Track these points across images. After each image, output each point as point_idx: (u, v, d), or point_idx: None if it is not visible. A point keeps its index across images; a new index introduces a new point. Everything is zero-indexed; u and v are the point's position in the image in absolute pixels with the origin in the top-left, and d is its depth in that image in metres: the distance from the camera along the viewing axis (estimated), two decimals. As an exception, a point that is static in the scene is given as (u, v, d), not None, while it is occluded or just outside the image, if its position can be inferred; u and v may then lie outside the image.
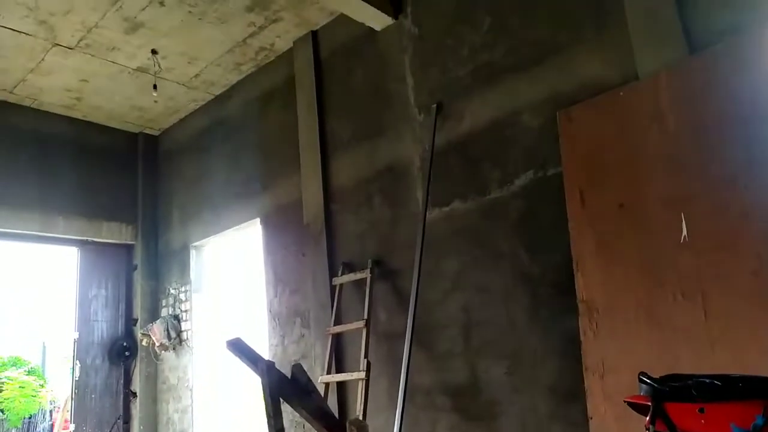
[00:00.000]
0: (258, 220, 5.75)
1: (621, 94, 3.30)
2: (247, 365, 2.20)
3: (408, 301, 4.06)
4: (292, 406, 2.11)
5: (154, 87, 5.62)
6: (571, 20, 3.69)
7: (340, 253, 4.91)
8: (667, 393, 1.79)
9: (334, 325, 4.68)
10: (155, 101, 6.30)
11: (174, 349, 6.47)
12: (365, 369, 4.16)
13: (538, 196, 3.74)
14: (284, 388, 2.04)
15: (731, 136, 2.92)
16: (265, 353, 5.41)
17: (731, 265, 2.75)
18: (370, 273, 4.54)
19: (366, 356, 4.24)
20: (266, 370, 2.02)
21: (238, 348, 2.22)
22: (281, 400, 2.08)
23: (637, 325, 2.96)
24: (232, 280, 6.42)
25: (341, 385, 4.65)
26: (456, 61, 4.30)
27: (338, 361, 4.74)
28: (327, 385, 4.47)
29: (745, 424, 1.62)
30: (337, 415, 4.62)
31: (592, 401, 3.03)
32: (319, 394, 2.26)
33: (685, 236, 2.89)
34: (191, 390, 6.23)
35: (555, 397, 3.46)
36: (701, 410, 1.71)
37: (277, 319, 5.37)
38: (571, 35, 3.67)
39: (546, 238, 3.65)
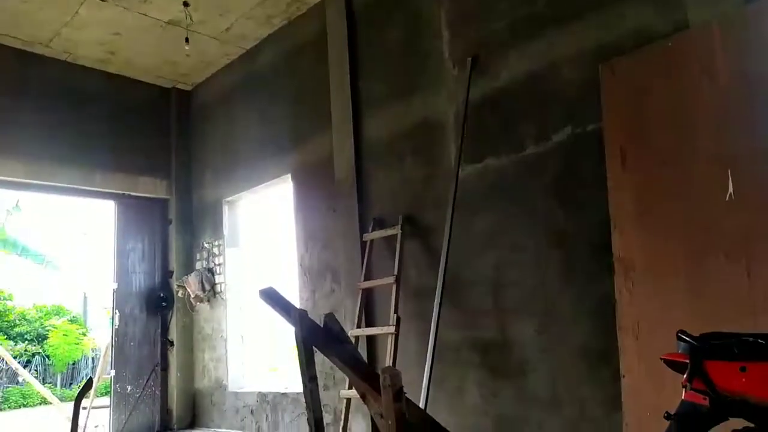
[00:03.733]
0: (289, 176, 5.76)
1: (670, 44, 3.13)
2: (280, 314, 2.22)
3: (438, 258, 4.04)
4: (325, 355, 2.14)
5: (186, 40, 5.59)
6: (619, -34, 3.48)
7: (371, 210, 4.90)
8: (707, 350, 1.74)
9: (364, 280, 4.71)
10: (187, 55, 6.28)
11: (208, 300, 6.64)
12: (395, 324, 4.20)
13: (575, 152, 3.62)
14: (317, 336, 2.06)
15: (786, 90, 2.75)
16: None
17: (780, 225, 2.63)
18: (401, 230, 4.53)
19: (396, 311, 4.27)
20: (299, 319, 2.04)
21: (271, 297, 2.24)
22: (314, 348, 2.10)
23: (676, 285, 2.88)
24: (264, 235, 6.50)
25: (371, 340, 4.71)
26: (494, 13, 4.13)
27: (368, 315, 4.79)
28: (357, 338, 4.54)
29: None
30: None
31: (625, 360, 3.00)
32: (352, 344, 2.28)
33: (731, 194, 2.77)
34: (225, 340, 6.42)
35: (585, 357, 3.43)
36: (743, 369, 1.66)
37: (308, 274, 5.44)
38: (618, -18, 3.47)
39: (583, 197, 3.55)
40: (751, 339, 1.68)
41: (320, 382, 4.81)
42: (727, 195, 2.77)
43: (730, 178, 2.78)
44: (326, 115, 5.33)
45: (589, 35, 3.59)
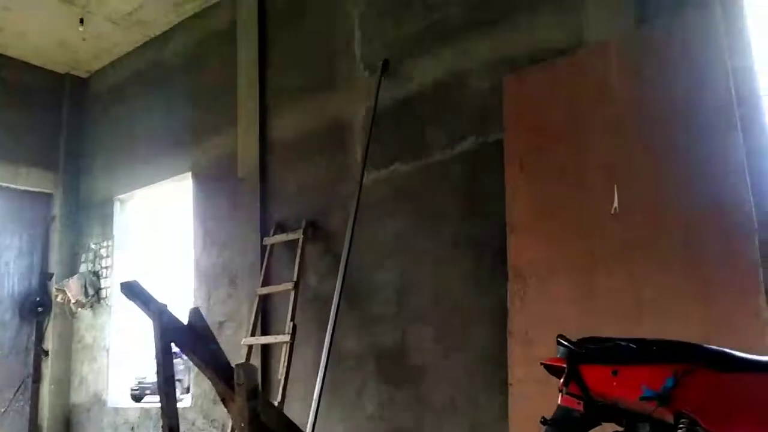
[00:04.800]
0: (189, 174, 5.43)
1: (570, 60, 3.23)
2: (140, 307, 2.00)
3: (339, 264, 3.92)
4: (184, 353, 1.93)
5: (81, 21, 5.17)
6: (526, -17, 3.58)
7: (273, 212, 4.70)
8: (582, 355, 1.73)
9: (263, 286, 4.49)
10: (83, 38, 5.82)
11: (91, 306, 6.09)
12: (290, 332, 4.01)
13: (479, 161, 3.65)
14: (177, 333, 1.86)
15: (671, 111, 2.90)
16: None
17: (660, 237, 2.75)
18: (303, 234, 4.36)
19: (292, 319, 4.08)
20: (158, 312, 1.83)
21: (132, 290, 2.01)
22: (173, 346, 1.90)
23: (566, 292, 2.93)
24: (158, 236, 6.08)
25: (266, 349, 4.48)
26: (407, 17, 4.12)
27: (265, 323, 4.56)
28: (250, 347, 4.30)
29: (655, 386, 1.58)
30: (260, 379, 4.46)
31: (513, 368, 3.00)
32: (217, 343, 2.09)
33: (615, 207, 2.87)
34: (108, 350, 5.89)
35: (482, 363, 3.42)
36: (614, 372, 1.66)
37: (203, 278, 5.12)
38: (525, -2, 3.57)
39: (486, 205, 3.57)
40: (623, 343, 1.69)
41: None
42: (612, 208, 2.86)
43: (616, 192, 2.88)
44: (233, 111, 5.09)
45: (496, 46, 3.65)
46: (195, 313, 1.95)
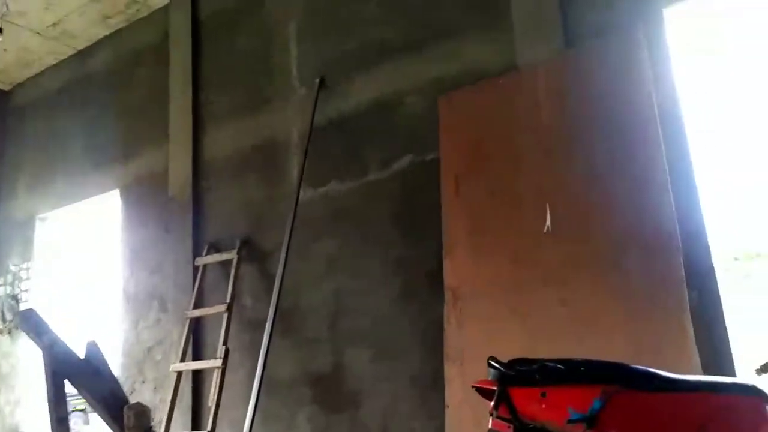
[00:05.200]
0: (118, 191, 5.17)
1: (500, 82, 3.27)
2: (32, 339, 1.82)
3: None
4: (76, 389, 1.77)
5: (-1, 30, 4.85)
6: (460, 6, 3.61)
7: (206, 232, 4.52)
8: (511, 377, 1.69)
9: (195, 308, 4.28)
10: (4, 49, 5.49)
11: (9, 333, 5.66)
12: (222, 357, 3.82)
13: (416, 181, 3.62)
14: (71, 367, 1.70)
15: (598, 133, 2.97)
16: (117, 338, 4.88)
17: (591, 256, 2.78)
18: (238, 254, 4.20)
19: (225, 343, 3.90)
20: (49, 345, 1.67)
21: (28, 320, 1.84)
22: (67, 381, 1.73)
23: (501, 313, 2.92)
24: (83, 257, 5.74)
25: (197, 375, 4.26)
26: (344, 34, 4.08)
27: (197, 348, 4.34)
28: (179, 374, 4.07)
29: (582, 407, 1.55)
30: (191, 406, 4.25)
31: (450, 390, 2.96)
32: (113, 377, 1.94)
33: (548, 227, 2.89)
34: (26, 380, 5.48)
35: (418, 386, 3.36)
36: (543, 394, 1.63)
37: (131, 302, 4.85)
38: (459, 21, 3.60)
39: (422, 225, 3.54)
40: (551, 365, 1.66)
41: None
42: (545, 227, 2.88)
43: (548, 212, 2.90)
44: (164, 127, 4.89)
45: (431, 67, 3.66)
46: (92, 346, 1.79)
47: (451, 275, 3.14)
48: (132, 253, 4.93)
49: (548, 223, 2.90)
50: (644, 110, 2.88)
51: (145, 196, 4.93)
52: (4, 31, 4.99)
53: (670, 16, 3.00)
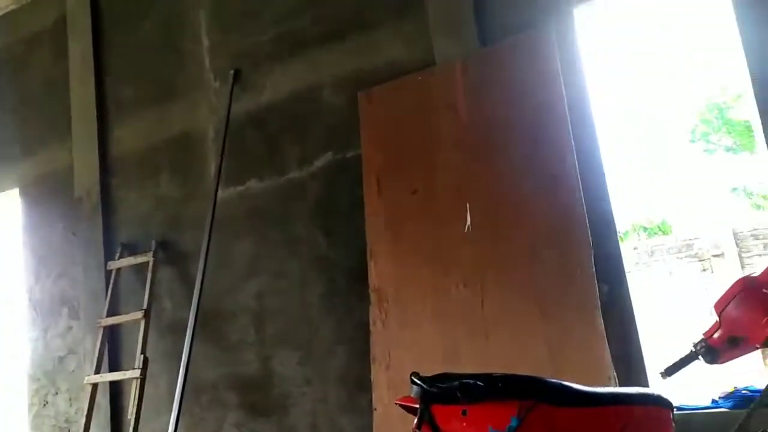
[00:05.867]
0: (17, 190, 4.77)
1: (419, 78, 3.24)
2: None
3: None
4: None
5: None
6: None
7: (119, 233, 4.26)
8: (434, 394, 1.69)
9: (109, 315, 4.05)
10: None
11: None
12: (141, 366, 3.66)
13: (337, 178, 3.56)
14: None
15: (512, 130, 3.01)
16: (24, 349, 4.56)
17: (508, 256, 2.85)
18: (154, 256, 4.00)
19: (143, 351, 3.73)
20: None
21: None
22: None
23: (423, 314, 2.95)
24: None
25: (115, 386, 4.06)
26: (258, 24, 3.91)
27: (114, 357, 4.12)
28: (95, 386, 3.87)
29: (501, 425, 1.57)
30: (109, 419, 4.05)
31: (377, 392, 2.97)
32: None
33: (468, 226, 2.93)
34: None
35: (345, 387, 3.36)
36: (464, 413, 1.63)
37: (38, 309, 4.53)
38: (375, 14, 3.52)
39: (344, 224, 3.50)
40: (471, 381, 1.66)
41: None
42: (465, 227, 2.92)
43: (468, 211, 2.93)
44: (66, 119, 4.53)
45: (349, 61, 3.58)
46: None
47: (375, 276, 3.13)
48: (36, 257, 4.59)
49: (468, 222, 2.93)
50: (556, 108, 2.94)
51: (49, 195, 4.58)
52: None
53: (579, 15, 3.07)
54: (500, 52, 3.10)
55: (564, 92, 2.95)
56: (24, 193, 4.73)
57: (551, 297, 2.68)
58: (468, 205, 2.95)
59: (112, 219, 4.29)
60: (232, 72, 3.91)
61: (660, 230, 13.29)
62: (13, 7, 4.89)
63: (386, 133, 3.31)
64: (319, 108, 3.65)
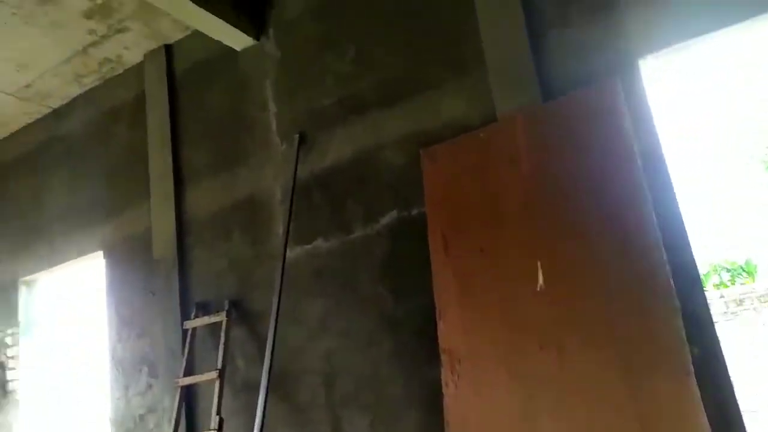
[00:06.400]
0: (101, 252, 5.07)
1: (481, 135, 3.23)
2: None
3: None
4: None
5: (-31, 97, 4.78)
6: (434, 59, 3.60)
7: (194, 293, 4.43)
8: None
9: (186, 374, 4.17)
10: (-25, 112, 5.39)
11: (-4, 403, 5.50)
12: (216, 427, 3.72)
13: (402, 236, 3.57)
14: None
15: (584, 185, 2.93)
16: (108, 406, 4.75)
17: (585, 316, 2.73)
18: (227, 316, 4.11)
19: (218, 412, 3.80)
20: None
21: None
22: None
23: (498, 377, 2.85)
24: (69, 321, 5.60)
25: (193, 443, 4.15)
26: (320, 89, 4.05)
27: (191, 415, 4.23)
28: (174, 446, 3.96)
29: None
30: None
31: (453, 460, 2.87)
32: None
33: (541, 285, 2.84)
34: (17, 451, 5.32)
35: (418, 451, 3.27)
36: None
37: (120, 368, 4.73)
38: (434, 73, 3.58)
39: (411, 282, 3.48)
40: None
41: None
42: (538, 286, 2.83)
43: (540, 269, 2.85)
44: (144, 185, 4.81)
45: (410, 120, 3.63)
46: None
47: (446, 337, 3.07)
48: (119, 317, 4.81)
49: (540, 281, 2.85)
50: (627, 161, 2.85)
51: (130, 257, 4.84)
52: (-25, 97, 4.93)
53: (646, 66, 2.99)
54: (564, 105, 3.06)
55: (635, 144, 2.85)
56: (107, 256, 5.01)
57: (637, 362, 2.53)
58: (539, 264, 2.87)
59: (188, 279, 4.47)
60: (297, 135, 4.04)
61: (744, 271, 12.36)
62: (98, 83, 5.30)
63: (450, 191, 3.30)
64: (382, 167, 3.71)
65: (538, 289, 2.85)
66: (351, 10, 4.02)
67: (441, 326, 3.11)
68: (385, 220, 3.64)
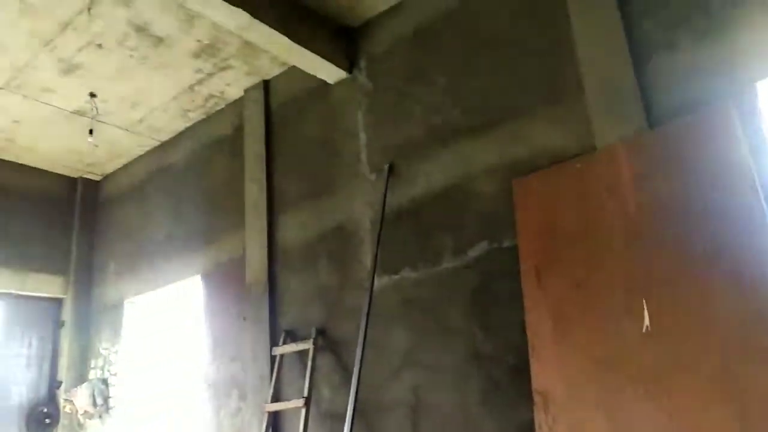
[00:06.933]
0: (199, 277, 5.32)
1: (578, 165, 3.10)
2: None
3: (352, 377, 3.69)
4: None
5: (90, 132, 5.25)
6: (527, 87, 3.53)
7: (282, 319, 4.52)
8: None
9: (273, 400, 4.24)
10: (96, 145, 5.90)
11: (100, 417, 5.85)
12: (302, 456, 3.73)
13: (493, 268, 3.46)
14: None
15: (695, 216, 2.71)
16: (199, 426, 4.91)
17: (697, 361, 2.49)
18: (314, 344, 4.15)
19: (304, 440, 3.81)
20: None
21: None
22: None
23: (597, 423, 2.65)
24: (168, 341, 5.90)
25: (278, 470, 4.18)
26: (410, 120, 4.08)
27: (277, 440, 4.28)
28: (260, 471, 4.01)
29: None
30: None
31: None
32: None
33: (647, 325, 2.63)
34: (116, 464, 5.61)
35: (509, 497, 3.10)
36: None
37: (212, 389, 4.89)
38: (527, 101, 3.51)
39: (502, 315, 3.36)
40: None
41: None
42: (644, 326, 2.63)
43: (645, 308, 2.65)
44: (240, 213, 5.03)
45: (502, 150, 3.56)
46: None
47: (539, 377, 2.91)
48: (213, 339, 5.00)
49: (646, 321, 2.64)
50: (745, 190, 2.61)
51: (224, 282, 5.04)
52: (94, 131, 5.40)
53: (763, 88, 2.76)
54: (673, 132, 2.87)
55: (753, 171, 2.62)
56: (204, 279, 5.25)
57: (756, 413, 2.26)
58: (644, 302, 2.67)
59: (277, 306, 4.58)
60: (386, 166, 4.08)
61: None
62: (202, 117, 5.66)
63: (544, 222, 3.17)
64: (472, 197, 3.64)
65: (644, 329, 2.65)
66: (440, 41, 4.04)
67: (534, 365, 2.96)
68: (475, 251, 3.56)
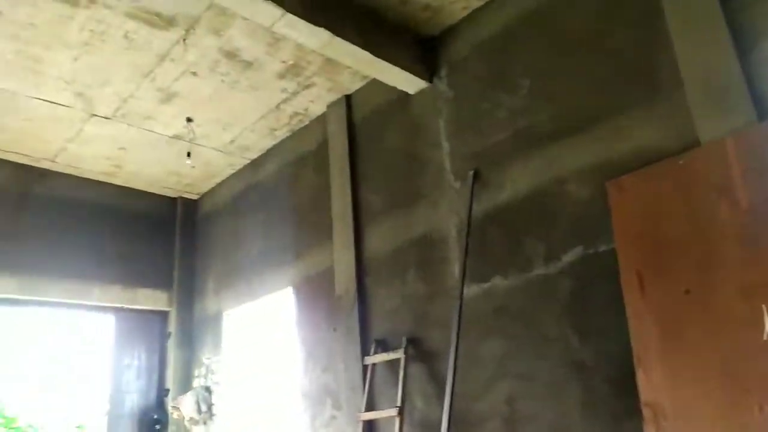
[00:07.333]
0: (291, 288, 5.50)
1: (680, 162, 2.91)
2: None
3: (445, 387, 3.66)
4: None
5: (188, 155, 5.59)
6: (619, 85, 3.37)
7: (372, 329, 4.58)
8: None
9: (367, 409, 4.30)
10: (192, 167, 6.28)
11: (205, 423, 6.17)
12: (398, 466, 3.74)
13: (589, 274, 3.33)
14: None
15: (819, 213, 2.47)
16: (295, 434, 5.06)
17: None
18: (405, 353, 4.17)
19: (399, 451, 3.82)
20: None
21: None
22: None
23: (716, 440, 2.46)
24: (263, 352, 6.14)
25: (374, 479, 4.22)
26: (494, 125, 4.02)
27: (371, 449, 4.32)
28: (357, 480, 4.06)
29: None
30: None
31: None
32: None
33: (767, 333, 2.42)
34: (220, 469, 5.89)
35: None
36: None
37: (307, 399, 5.02)
38: (619, 99, 3.35)
39: (600, 323, 3.22)
40: None
41: None
42: (765, 334, 2.42)
43: (766, 315, 2.44)
44: (327, 226, 5.16)
45: (594, 151, 3.42)
46: None
47: (647, 389, 2.75)
48: (306, 349, 5.15)
49: (767, 329, 2.43)
50: None
51: (315, 294, 5.18)
52: (191, 154, 5.75)
53: None
54: (785, 123, 2.64)
55: None
56: (296, 291, 5.43)
57: None
58: (764, 308, 2.45)
59: (367, 316, 4.64)
60: (471, 172, 4.04)
61: None
62: (287, 134, 5.88)
63: (643, 225, 3.01)
64: (563, 201, 3.52)
65: (765, 338, 2.43)
66: (522, 44, 3.96)
67: (641, 376, 2.80)
68: (569, 257, 3.43)
